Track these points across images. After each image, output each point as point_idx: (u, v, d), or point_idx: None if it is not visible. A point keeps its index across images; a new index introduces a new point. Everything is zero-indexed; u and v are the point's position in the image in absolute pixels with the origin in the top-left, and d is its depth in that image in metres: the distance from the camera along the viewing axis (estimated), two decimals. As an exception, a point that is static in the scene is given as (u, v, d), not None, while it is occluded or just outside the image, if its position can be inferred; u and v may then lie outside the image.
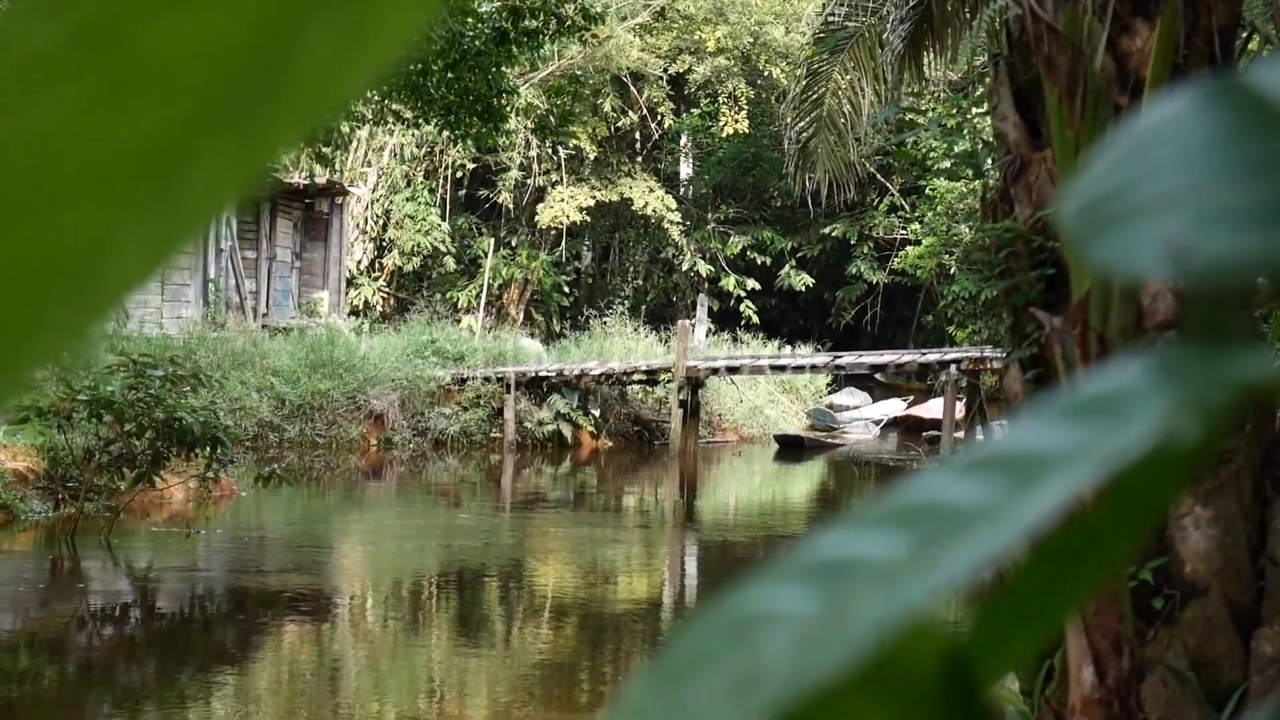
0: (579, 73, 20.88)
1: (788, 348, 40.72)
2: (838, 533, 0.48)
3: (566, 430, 32.14)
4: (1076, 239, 0.47)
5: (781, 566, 0.48)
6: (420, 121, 16.55)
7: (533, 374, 32.14)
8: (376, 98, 16.08)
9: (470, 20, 14.98)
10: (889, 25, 15.68)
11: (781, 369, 32.60)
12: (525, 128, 18.20)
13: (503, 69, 15.50)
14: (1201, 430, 0.46)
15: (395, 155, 43.61)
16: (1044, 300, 4.91)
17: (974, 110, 32.62)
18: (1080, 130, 4.55)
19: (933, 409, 35.16)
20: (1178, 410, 0.44)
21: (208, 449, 16.73)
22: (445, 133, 16.29)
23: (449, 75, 15.22)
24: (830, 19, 18.23)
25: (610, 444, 33.02)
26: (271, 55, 0.36)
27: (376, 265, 44.62)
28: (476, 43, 14.98)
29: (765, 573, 0.48)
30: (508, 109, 16.12)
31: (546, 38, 15.73)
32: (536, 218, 44.96)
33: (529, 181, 45.39)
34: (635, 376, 32.75)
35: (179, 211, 0.36)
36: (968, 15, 12.27)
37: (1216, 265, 0.43)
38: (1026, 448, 0.47)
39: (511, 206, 46.00)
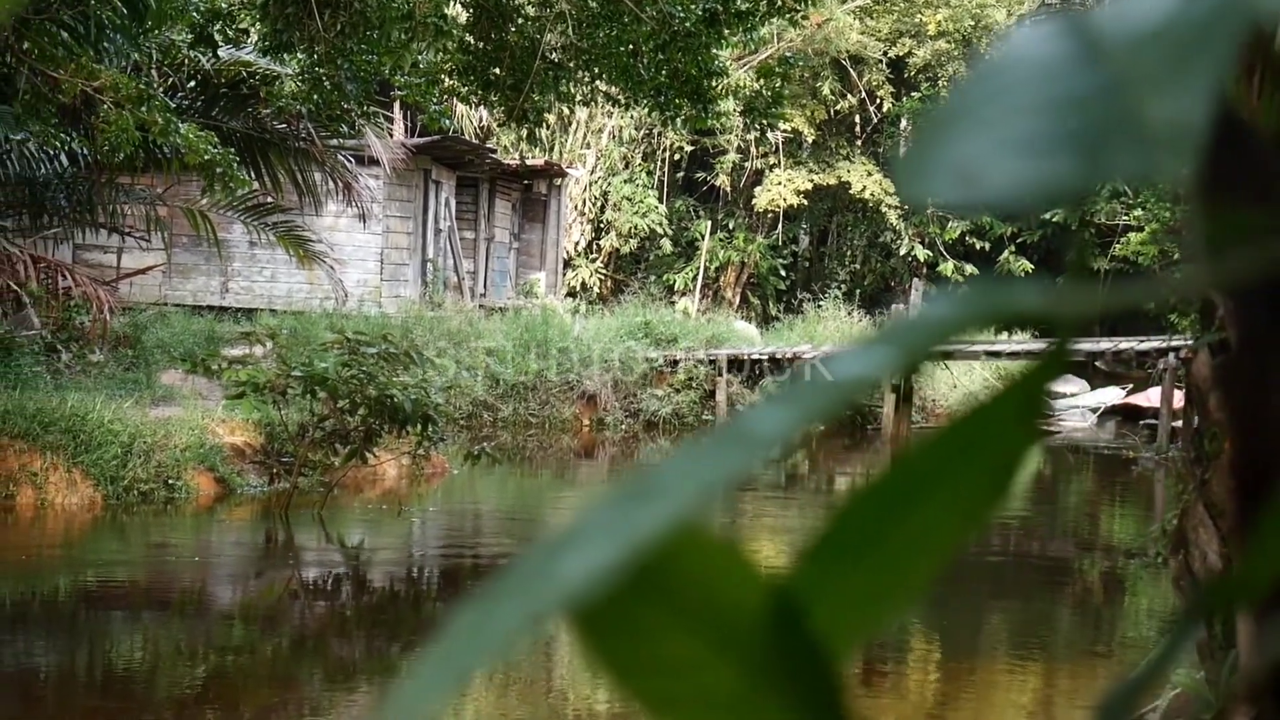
0: (789, 55, 20.75)
1: (1005, 334, 40.22)
2: (661, 464, 0.48)
3: (778, 413, 31.99)
4: (901, 172, 0.48)
5: (606, 494, 0.48)
6: (630, 103, 16.59)
7: (745, 357, 32.04)
8: (587, 79, 16.17)
9: (681, 1, 14.99)
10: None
11: (997, 355, 32.19)
12: (736, 110, 18.18)
13: (713, 50, 15.49)
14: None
15: (614, 137, 43.82)
16: (1235, 283, 4.81)
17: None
18: (1257, 109, 4.42)
19: (1151, 397, 34.38)
20: (942, 337, 0.44)
21: (419, 426, 16.91)
22: (655, 114, 16.31)
23: (659, 56, 15.24)
24: (1047, 1, 18.00)
25: (822, 427, 32.84)
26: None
27: (594, 247, 44.87)
28: (687, 24, 14.98)
29: (591, 501, 0.49)
30: (719, 91, 16.10)
31: (757, 19, 15.66)
32: (754, 201, 44.88)
33: (746, 164, 45.33)
34: (848, 360, 32.54)
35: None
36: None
37: (1000, 191, 0.43)
38: (832, 372, 0.47)
39: (729, 189, 45.98)
